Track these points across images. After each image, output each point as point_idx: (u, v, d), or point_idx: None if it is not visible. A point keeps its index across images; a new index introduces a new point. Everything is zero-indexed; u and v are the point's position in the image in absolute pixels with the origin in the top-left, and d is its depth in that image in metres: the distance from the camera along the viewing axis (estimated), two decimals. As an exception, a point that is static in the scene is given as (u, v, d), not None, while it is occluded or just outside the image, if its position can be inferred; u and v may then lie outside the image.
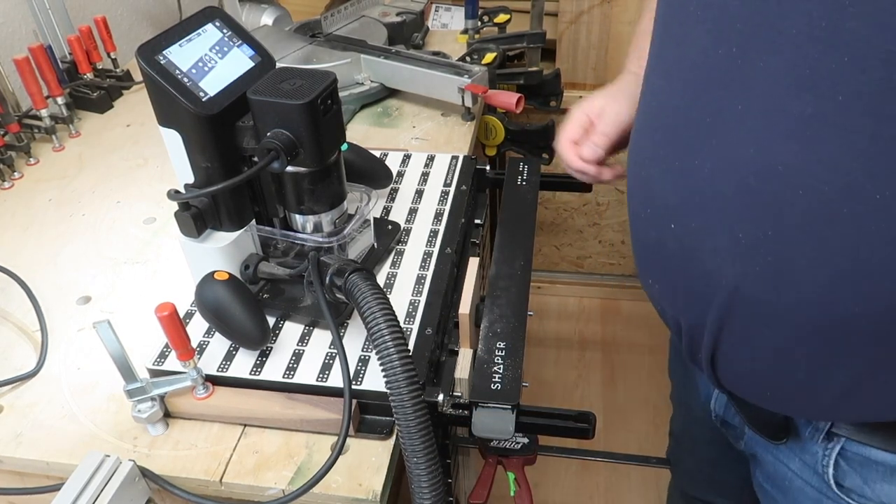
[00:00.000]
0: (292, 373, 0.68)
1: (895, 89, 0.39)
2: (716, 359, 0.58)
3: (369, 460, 0.64)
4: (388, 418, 0.66)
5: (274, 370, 0.68)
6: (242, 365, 0.69)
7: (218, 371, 0.69)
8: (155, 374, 0.69)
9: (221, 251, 0.70)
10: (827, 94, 0.41)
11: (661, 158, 0.54)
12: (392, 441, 0.65)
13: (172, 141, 0.65)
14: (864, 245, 0.44)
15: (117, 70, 1.25)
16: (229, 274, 0.69)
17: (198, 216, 0.68)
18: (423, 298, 0.76)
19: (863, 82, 0.40)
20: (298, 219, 0.72)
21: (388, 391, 0.56)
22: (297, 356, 0.70)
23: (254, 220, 0.73)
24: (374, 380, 0.66)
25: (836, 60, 0.40)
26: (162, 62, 0.62)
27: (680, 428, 1.05)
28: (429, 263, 0.80)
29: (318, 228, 0.73)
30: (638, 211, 0.60)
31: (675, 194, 0.53)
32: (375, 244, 0.81)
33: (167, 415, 0.67)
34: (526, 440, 0.74)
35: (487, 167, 0.96)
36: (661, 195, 0.54)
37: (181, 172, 0.68)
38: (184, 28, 0.66)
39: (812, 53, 0.41)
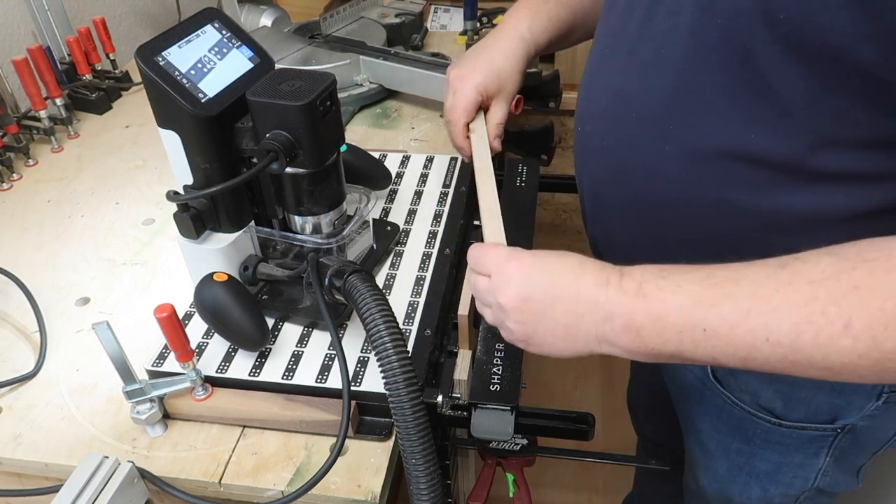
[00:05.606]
0: (291, 374, 0.68)
1: (694, 52, 0.54)
2: (587, 216, 0.77)
3: (368, 461, 0.64)
4: (387, 419, 0.66)
5: (273, 371, 0.68)
6: (241, 366, 0.69)
7: (217, 372, 0.69)
8: (154, 375, 0.69)
9: (220, 252, 0.70)
10: (658, 46, 0.58)
11: (583, 81, 0.73)
12: (391, 442, 0.65)
13: (171, 142, 0.65)
14: (657, 165, 0.60)
15: (116, 71, 1.24)
16: (228, 275, 0.69)
17: (197, 217, 0.68)
18: (422, 300, 0.76)
19: (675, 42, 0.56)
20: (297, 220, 0.72)
21: (387, 393, 0.56)
22: (297, 357, 0.70)
23: (253, 222, 0.73)
24: (373, 381, 0.66)
25: (666, 23, 0.57)
26: (161, 63, 0.62)
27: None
28: (428, 265, 0.80)
29: (317, 230, 0.73)
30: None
31: (582, 107, 0.72)
32: (374, 245, 0.81)
33: (166, 416, 0.67)
34: (525, 441, 0.74)
35: (486, 168, 0.96)
36: (579, 106, 0.73)
37: (180, 174, 0.68)
38: (183, 29, 0.66)
39: (651, 19, 0.59)
